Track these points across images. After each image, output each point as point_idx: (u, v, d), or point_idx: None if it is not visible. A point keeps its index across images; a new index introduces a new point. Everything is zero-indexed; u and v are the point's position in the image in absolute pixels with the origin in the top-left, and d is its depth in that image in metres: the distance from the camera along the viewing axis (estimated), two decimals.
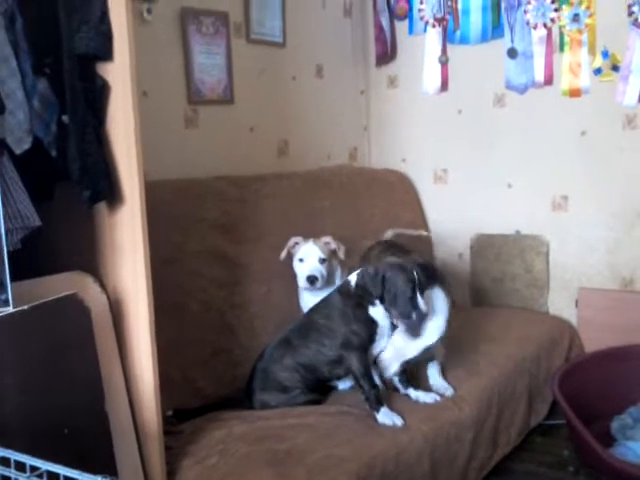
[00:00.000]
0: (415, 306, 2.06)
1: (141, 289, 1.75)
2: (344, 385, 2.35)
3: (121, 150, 1.74)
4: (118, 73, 1.72)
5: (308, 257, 2.47)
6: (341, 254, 2.54)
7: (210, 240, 2.50)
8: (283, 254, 2.52)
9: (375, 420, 2.08)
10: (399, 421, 2.07)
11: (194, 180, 2.62)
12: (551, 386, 2.68)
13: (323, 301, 2.31)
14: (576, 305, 3.30)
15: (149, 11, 2.55)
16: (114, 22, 1.69)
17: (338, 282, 2.49)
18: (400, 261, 2.18)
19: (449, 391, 2.31)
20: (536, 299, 3.40)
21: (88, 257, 1.85)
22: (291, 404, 2.21)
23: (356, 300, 2.19)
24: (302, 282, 2.46)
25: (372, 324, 2.17)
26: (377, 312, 2.17)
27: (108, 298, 1.80)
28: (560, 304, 3.36)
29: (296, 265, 2.51)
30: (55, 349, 1.64)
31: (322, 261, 2.47)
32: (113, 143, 1.75)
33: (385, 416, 2.08)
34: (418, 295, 2.07)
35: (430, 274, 2.19)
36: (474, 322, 3.04)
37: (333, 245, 2.52)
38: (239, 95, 2.97)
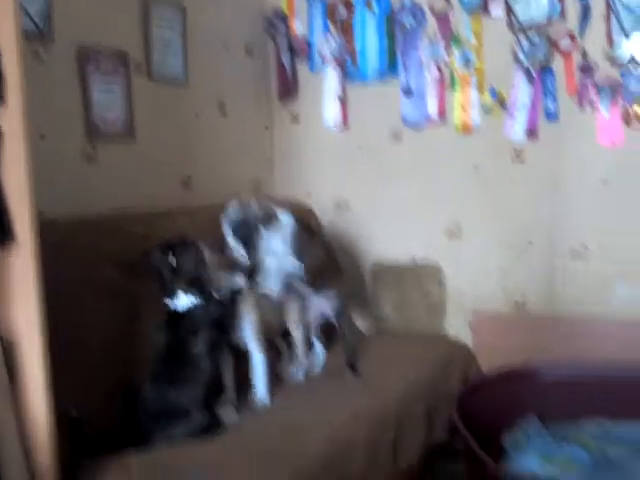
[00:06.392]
0: None
1: (34, 330, 1.76)
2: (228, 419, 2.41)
3: (14, 193, 1.74)
4: (11, 117, 1.73)
5: None
6: None
7: (111, 276, 2.50)
8: None
9: None
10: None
11: (94, 216, 2.62)
12: (451, 409, 2.79)
13: None
14: (471, 328, 3.46)
15: (46, 50, 2.55)
16: (6, 64, 1.70)
17: None
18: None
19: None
20: (434, 324, 3.55)
21: None
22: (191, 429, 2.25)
23: None
24: None
25: None
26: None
27: (1, 340, 1.79)
28: (457, 328, 3.52)
29: None
30: None
31: None
32: (6, 186, 1.75)
33: None
34: None
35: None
36: (372, 348, 3.15)
37: None
38: (141, 132, 2.99)
